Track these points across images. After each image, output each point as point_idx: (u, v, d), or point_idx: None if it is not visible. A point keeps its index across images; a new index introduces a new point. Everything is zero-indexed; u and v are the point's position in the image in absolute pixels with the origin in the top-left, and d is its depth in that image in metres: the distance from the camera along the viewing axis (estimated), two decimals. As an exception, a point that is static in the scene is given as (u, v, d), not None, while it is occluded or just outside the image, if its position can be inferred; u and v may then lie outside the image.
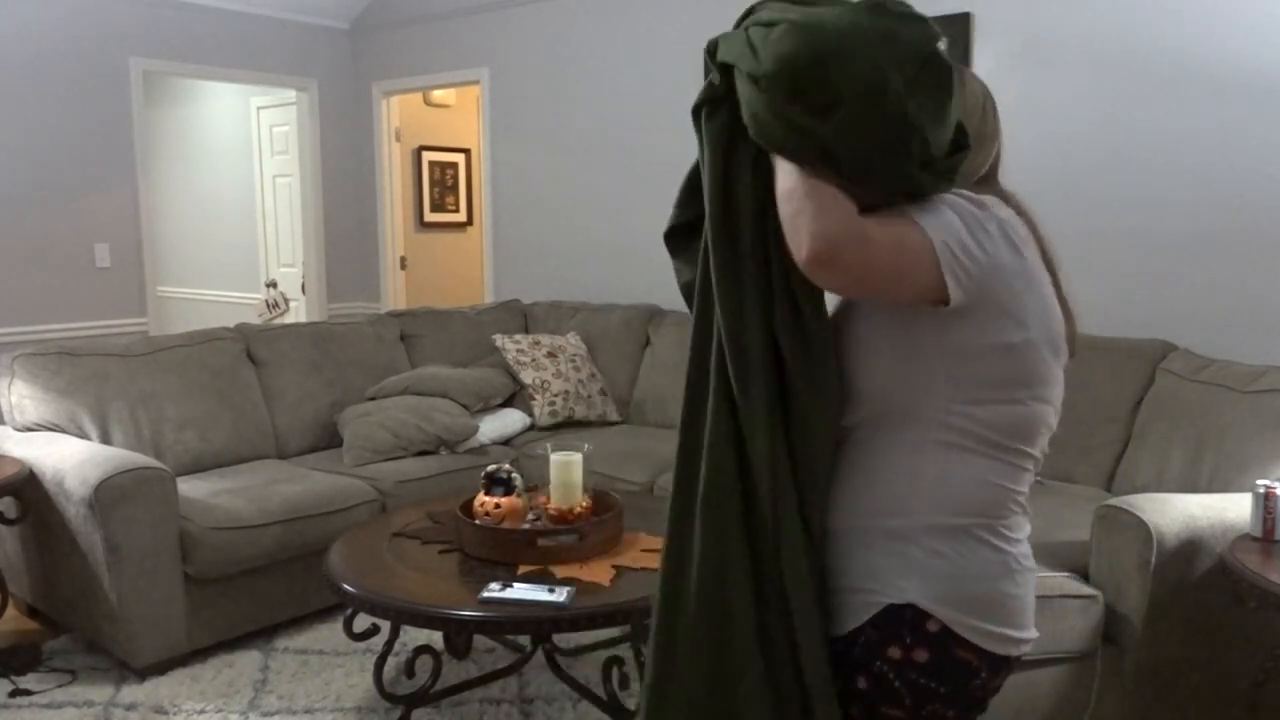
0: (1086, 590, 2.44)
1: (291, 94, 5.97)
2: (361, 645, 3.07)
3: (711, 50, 1.29)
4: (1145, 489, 2.89)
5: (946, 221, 1.21)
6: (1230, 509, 2.41)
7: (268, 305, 6.46)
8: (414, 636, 3.03)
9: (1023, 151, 3.72)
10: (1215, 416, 2.83)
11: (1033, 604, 1.34)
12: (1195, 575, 2.36)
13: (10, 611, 3.31)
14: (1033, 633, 1.34)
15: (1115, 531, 2.41)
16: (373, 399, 4.03)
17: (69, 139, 4.85)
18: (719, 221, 1.27)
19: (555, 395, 4.27)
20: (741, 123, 1.25)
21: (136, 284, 5.15)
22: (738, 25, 1.28)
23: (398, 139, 6.14)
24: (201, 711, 2.78)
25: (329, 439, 4.00)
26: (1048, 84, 3.65)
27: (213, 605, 3.12)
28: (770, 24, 1.19)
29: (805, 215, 1.16)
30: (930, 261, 1.19)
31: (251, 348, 3.98)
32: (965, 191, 1.28)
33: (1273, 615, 2.29)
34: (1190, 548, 2.34)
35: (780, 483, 1.27)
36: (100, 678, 2.99)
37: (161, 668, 3.01)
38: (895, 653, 1.28)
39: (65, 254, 4.89)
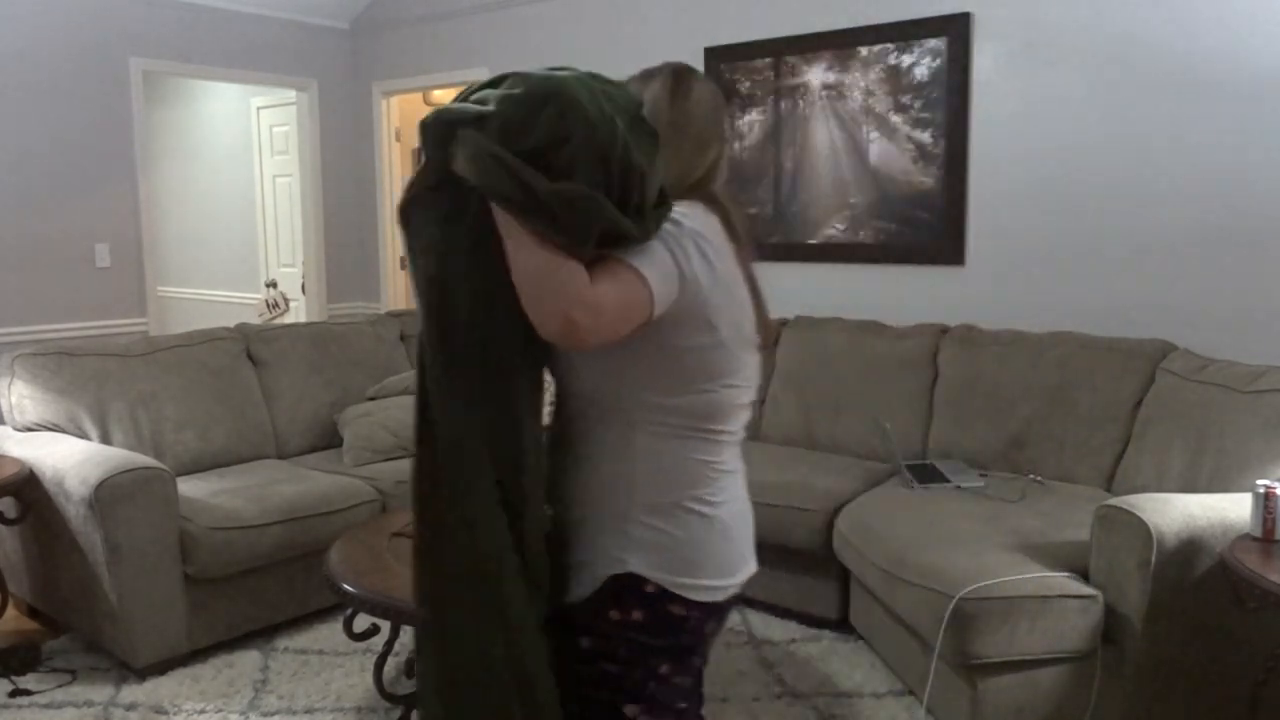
0: (1086, 590, 2.44)
1: (291, 94, 5.97)
2: (361, 645, 3.07)
3: (427, 124, 1.36)
4: (1145, 489, 2.89)
5: (657, 257, 1.36)
6: (1230, 509, 2.41)
7: (268, 305, 6.46)
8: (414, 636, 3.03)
9: (1022, 151, 3.72)
10: (1215, 416, 2.83)
11: (744, 546, 1.55)
12: (1195, 575, 2.36)
13: (10, 611, 3.31)
14: (745, 573, 1.54)
15: (1115, 531, 2.41)
16: (373, 399, 4.03)
17: (69, 139, 4.85)
18: (435, 317, 1.39)
19: (555, 395, 4.27)
20: (457, 218, 1.34)
21: (136, 284, 5.15)
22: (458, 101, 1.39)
23: (398, 139, 6.13)
24: (201, 711, 2.78)
25: (329, 439, 4.00)
26: (1048, 84, 3.65)
27: (213, 605, 3.12)
28: (496, 83, 1.35)
29: (543, 298, 1.29)
30: (649, 301, 1.35)
31: (251, 348, 3.98)
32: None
33: (1273, 615, 2.29)
34: (1190, 548, 2.34)
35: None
36: (100, 678, 2.99)
37: (161, 668, 3.01)
38: (615, 614, 1.46)
39: (65, 254, 4.89)
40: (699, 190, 1.52)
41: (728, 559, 1.51)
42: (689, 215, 1.43)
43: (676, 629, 1.48)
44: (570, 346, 1.33)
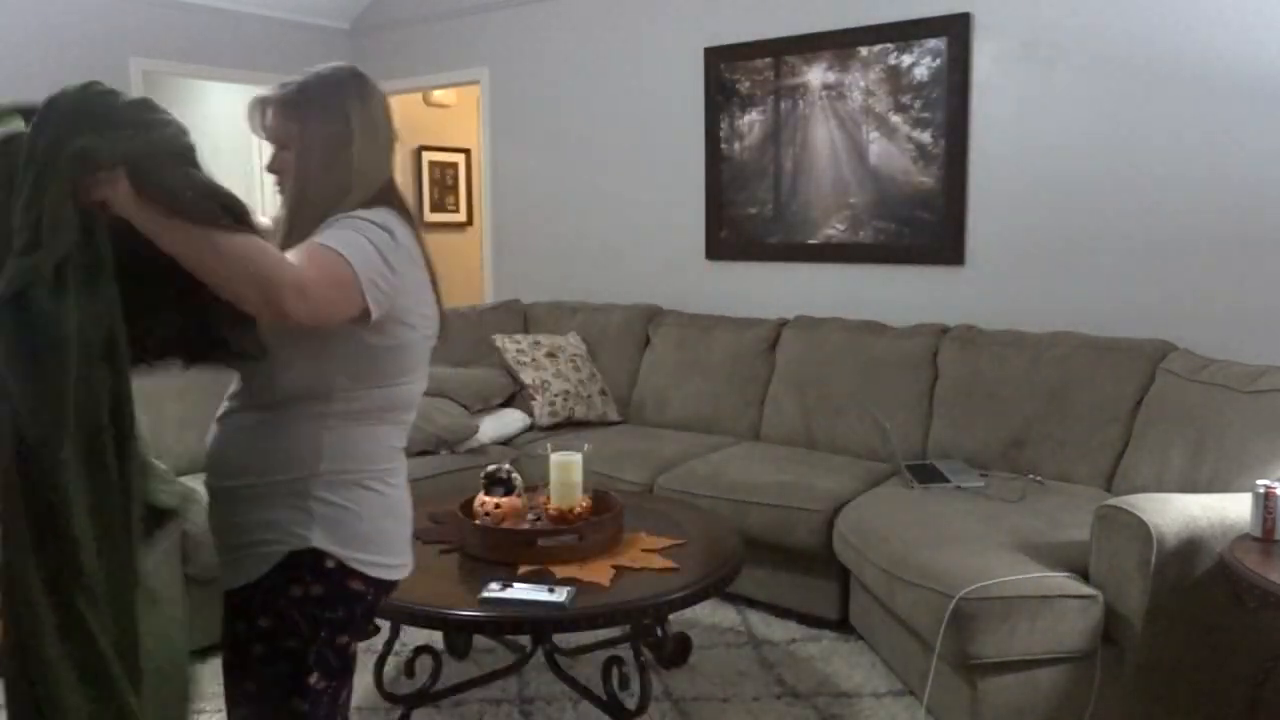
0: (1086, 590, 2.44)
1: (291, 94, 5.96)
2: (362, 645, 3.06)
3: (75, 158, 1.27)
4: (1145, 489, 2.89)
5: (366, 254, 1.45)
6: (1230, 509, 2.41)
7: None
8: (414, 636, 3.03)
9: (1022, 151, 3.72)
10: (1215, 416, 2.83)
11: (408, 536, 1.69)
12: (1195, 575, 2.36)
13: (10, 611, 3.31)
14: (409, 559, 1.68)
15: (1115, 531, 2.41)
16: (373, 399, 4.03)
17: (69, 139, 4.84)
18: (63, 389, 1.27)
19: (555, 395, 4.27)
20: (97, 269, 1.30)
21: (136, 284, 5.14)
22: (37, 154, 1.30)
23: (398, 139, 6.12)
24: (201, 712, 2.78)
25: (329, 439, 4.00)
26: (1048, 84, 3.65)
27: (213, 605, 3.11)
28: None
29: (242, 280, 1.31)
30: (357, 291, 1.43)
31: (251, 348, 3.97)
32: (371, 215, 1.52)
33: (1273, 615, 2.29)
34: (1190, 548, 2.34)
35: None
36: (100, 678, 2.99)
37: (161, 668, 3.00)
38: (297, 591, 1.52)
39: (65, 254, 4.88)
40: (389, 192, 1.63)
41: (400, 539, 1.66)
42: (395, 226, 1.54)
43: (354, 602, 1.58)
44: (284, 322, 1.36)
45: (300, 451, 1.53)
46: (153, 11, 5.15)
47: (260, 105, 1.61)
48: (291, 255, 1.38)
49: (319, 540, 1.52)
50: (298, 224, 1.54)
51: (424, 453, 3.81)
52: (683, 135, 4.64)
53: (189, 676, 1.52)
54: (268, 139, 1.61)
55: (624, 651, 2.88)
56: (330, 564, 1.53)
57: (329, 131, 1.57)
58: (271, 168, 1.62)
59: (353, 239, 1.45)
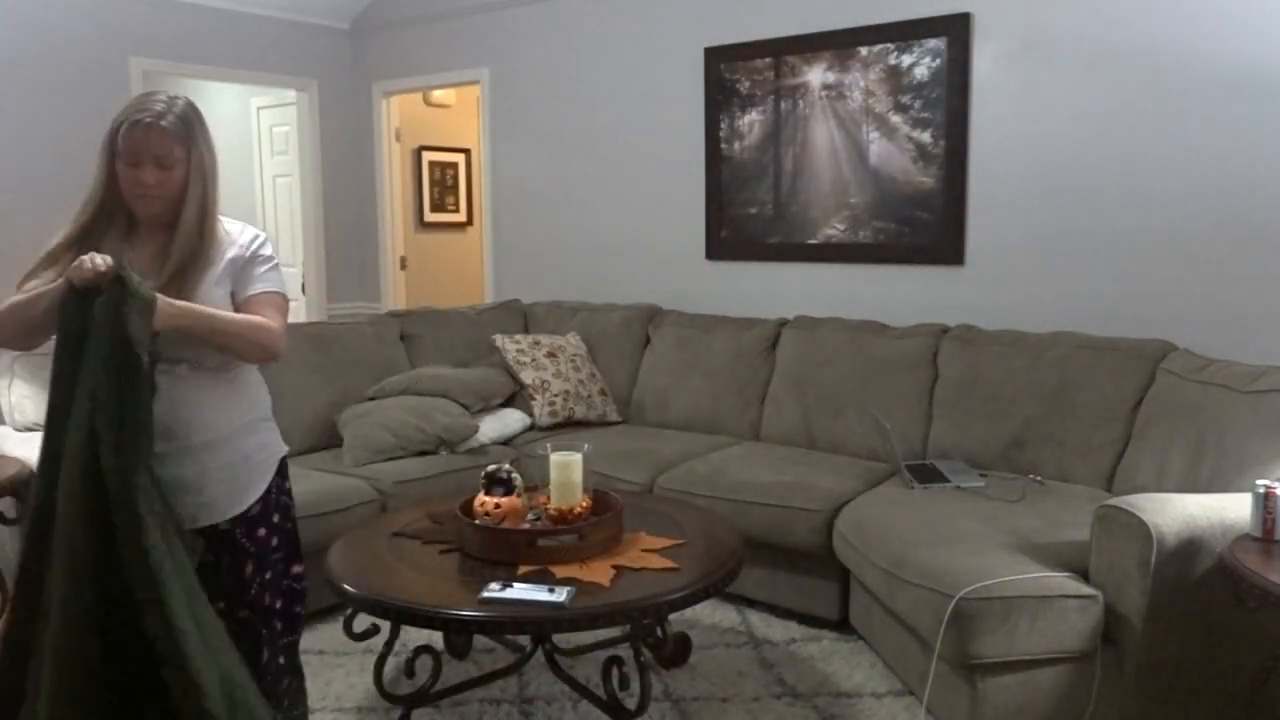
0: (1086, 590, 2.44)
1: (291, 94, 5.97)
2: (361, 645, 3.07)
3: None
4: (1145, 489, 2.89)
5: (282, 279, 2.19)
6: (1230, 509, 2.41)
7: (267, 305, 6.44)
8: (414, 636, 3.02)
9: (1022, 151, 3.73)
10: (1215, 416, 2.83)
11: None
12: (1195, 575, 2.36)
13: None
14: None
15: (1115, 531, 2.41)
16: (373, 399, 4.03)
17: (69, 139, 4.85)
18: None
19: (555, 395, 4.27)
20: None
21: (136, 284, 5.13)
22: None
23: (398, 139, 6.13)
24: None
25: (329, 439, 4.00)
26: (1047, 84, 3.65)
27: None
28: None
29: (249, 348, 2.02)
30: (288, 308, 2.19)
31: (251, 348, 3.97)
32: (267, 246, 2.21)
33: (1273, 615, 2.29)
34: (1190, 548, 2.34)
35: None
36: (100, 678, 2.98)
37: (161, 668, 3.00)
38: (287, 484, 2.22)
39: (65, 254, 4.87)
40: None
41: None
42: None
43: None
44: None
45: (251, 398, 2.14)
46: (153, 11, 5.15)
47: (146, 129, 1.95)
48: (267, 312, 2.07)
49: (284, 447, 2.22)
50: (204, 230, 2.02)
51: (424, 453, 3.81)
52: (683, 135, 4.65)
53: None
54: (144, 159, 1.96)
55: (624, 651, 2.87)
56: (286, 458, 2.22)
57: (208, 152, 2.06)
58: (147, 183, 1.97)
59: (279, 278, 2.17)
